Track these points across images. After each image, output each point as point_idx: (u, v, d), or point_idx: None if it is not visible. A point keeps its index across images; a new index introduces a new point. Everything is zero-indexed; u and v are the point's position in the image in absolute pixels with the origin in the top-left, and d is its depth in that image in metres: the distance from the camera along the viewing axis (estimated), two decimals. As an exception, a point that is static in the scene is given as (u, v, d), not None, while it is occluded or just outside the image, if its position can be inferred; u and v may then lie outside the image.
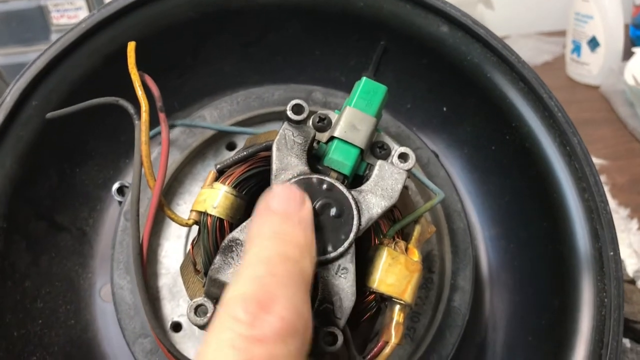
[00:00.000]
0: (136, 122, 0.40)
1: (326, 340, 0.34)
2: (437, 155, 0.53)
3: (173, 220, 0.40)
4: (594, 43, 1.17)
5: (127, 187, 0.53)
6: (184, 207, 0.49)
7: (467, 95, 0.58)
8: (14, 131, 0.49)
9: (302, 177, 0.37)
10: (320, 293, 0.36)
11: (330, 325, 0.35)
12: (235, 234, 0.36)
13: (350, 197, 0.37)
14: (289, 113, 0.38)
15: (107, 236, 0.55)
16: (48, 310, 0.50)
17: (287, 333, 0.25)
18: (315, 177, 0.37)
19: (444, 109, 0.60)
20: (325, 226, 0.36)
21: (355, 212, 0.36)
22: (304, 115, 0.38)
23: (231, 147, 0.51)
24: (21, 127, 0.49)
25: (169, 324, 0.46)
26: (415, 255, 0.40)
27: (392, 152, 0.41)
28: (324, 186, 0.37)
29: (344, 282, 0.36)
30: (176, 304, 0.47)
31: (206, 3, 0.55)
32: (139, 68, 0.47)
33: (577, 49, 1.21)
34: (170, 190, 0.49)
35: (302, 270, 0.29)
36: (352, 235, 0.36)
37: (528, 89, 0.55)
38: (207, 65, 0.58)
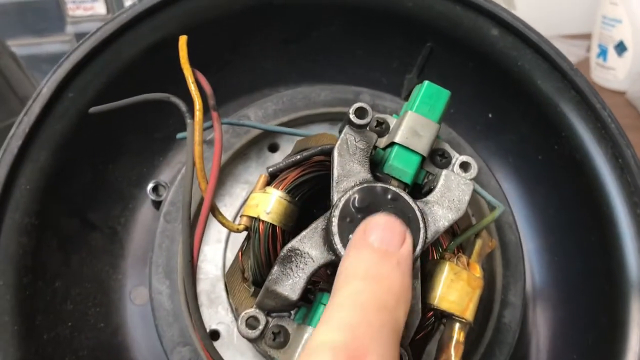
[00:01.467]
0: (188, 120, 0.38)
1: None
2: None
3: (224, 225, 0.38)
4: (621, 47, 1.14)
5: (162, 185, 0.51)
6: (224, 210, 0.47)
7: (514, 101, 0.56)
8: (50, 124, 0.47)
9: (365, 185, 0.35)
10: (383, 309, 0.33)
11: (393, 344, 0.33)
12: (295, 243, 0.34)
13: (416, 209, 0.35)
14: (352, 117, 0.36)
15: (139, 236, 0.53)
16: (78, 313, 0.48)
17: None
18: (379, 185, 0.35)
19: (490, 115, 0.58)
20: (391, 238, 0.34)
21: (421, 225, 0.34)
22: (368, 119, 0.36)
23: (273, 148, 0.49)
24: (57, 119, 0.47)
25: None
26: (477, 271, 0.38)
27: (453, 161, 0.39)
28: (389, 196, 0.35)
29: (409, 299, 0.34)
30: (214, 311, 0.45)
31: (250, -4, 0.53)
32: (178, 61, 0.45)
33: (603, 53, 1.19)
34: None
35: (396, 321, 0.27)
36: (418, 249, 0.34)
37: (580, 97, 0.53)
38: (246, 61, 0.56)
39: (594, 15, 1.22)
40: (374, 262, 0.28)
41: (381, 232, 0.30)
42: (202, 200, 0.43)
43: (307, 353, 0.25)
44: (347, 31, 0.57)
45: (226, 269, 0.46)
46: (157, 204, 0.51)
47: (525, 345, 0.52)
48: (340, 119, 0.50)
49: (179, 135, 0.47)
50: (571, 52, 1.32)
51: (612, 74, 1.18)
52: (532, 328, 0.53)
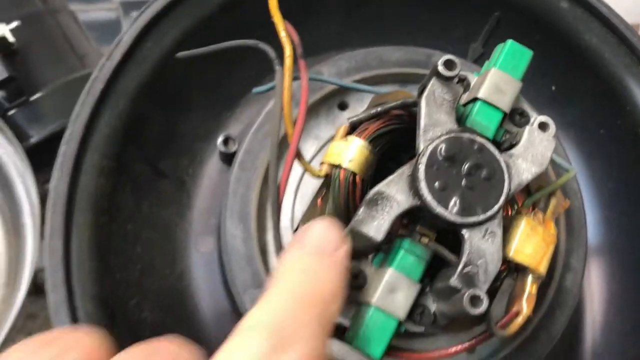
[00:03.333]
0: (277, 67, 0.39)
1: (471, 302, 0.33)
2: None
3: (307, 170, 0.39)
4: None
5: (232, 139, 0.52)
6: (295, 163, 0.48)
7: (579, 75, 0.56)
8: (129, 72, 0.48)
9: (452, 134, 0.36)
10: (465, 255, 0.35)
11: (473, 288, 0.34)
12: (382, 187, 0.35)
13: (501, 160, 0.35)
14: (441, 68, 0.37)
15: (205, 188, 0.54)
16: (146, 256, 0.50)
17: None
18: (466, 135, 0.36)
19: (553, 87, 0.58)
20: (475, 187, 0.35)
21: (506, 176, 0.35)
22: (456, 71, 0.37)
23: (343, 106, 0.50)
24: (135, 67, 0.49)
25: (274, 279, 0.46)
26: (552, 228, 0.39)
27: (531, 120, 0.40)
28: (475, 146, 0.36)
29: (491, 247, 0.35)
30: (282, 260, 0.46)
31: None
32: (255, 19, 0.46)
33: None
34: (282, 144, 0.48)
35: (329, 316, 0.28)
36: (502, 199, 0.35)
37: (647, 73, 0.53)
38: (314, 23, 0.57)
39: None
40: (310, 261, 0.30)
41: (319, 235, 0.31)
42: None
43: (239, 331, 0.26)
44: (413, -3, 0.58)
45: (295, 220, 0.47)
46: (226, 156, 0.52)
47: (579, 312, 0.53)
48: (410, 81, 0.51)
49: (255, 90, 0.47)
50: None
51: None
52: (587, 295, 0.54)
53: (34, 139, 0.70)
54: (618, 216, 0.56)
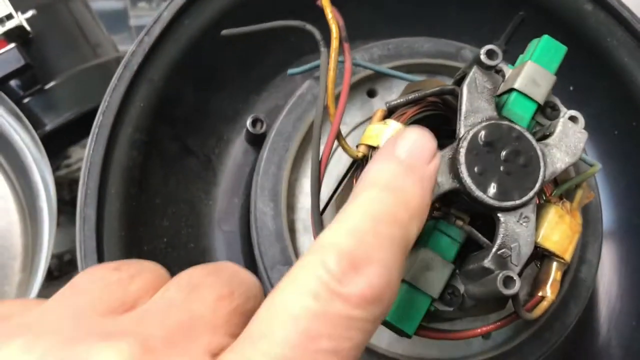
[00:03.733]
0: (322, 49, 0.40)
1: (504, 282, 0.34)
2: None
3: (346, 150, 0.40)
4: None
5: (261, 120, 0.53)
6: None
7: (598, 77, 0.58)
8: (166, 48, 0.49)
9: (492, 121, 0.37)
10: (500, 238, 0.36)
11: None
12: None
13: (538, 149, 0.37)
14: (483, 57, 0.38)
15: (230, 168, 0.55)
16: (172, 230, 0.51)
17: (371, 300, 0.23)
18: (506, 123, 0.37)
19: (571, 87, 0.60)
20: (513, 173, 0.36)
21: (541, 164, 0.37)
22: (497, 61, 0.38)
23: (372, 93, 0.51)
24: (172, 44, 0.50)
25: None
26: (578, 218, 0.40)
27: (562, 114, 0.41)
28: (514, 134, 0.37)
29: (525, 231, 0.36)
30: (309, 239, 0.47)
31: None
32: (279, 6, 0.47)
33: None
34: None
35: (407, 236, 0.26)
36: (537, 186, 0.36)
37: (664, 77, 0.55)
38: (345, 13, 0.58)
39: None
40: (396, 174, 0.27)
41: (410, 146, 0.28)
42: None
43: (315, 249, 0.25)
44: (442, -8, 0.59)
45: (321, 202, 0.48)
46: (253, 137, 0.53)
47: (591, 304, 0.55)
48: (439, 72, 0.52)
49: (291, 71, 0.49)
50: None
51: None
52: (599, 288, 0.56)
53: (48, 127, 0.70)
54: (630, 214, 0.58)
